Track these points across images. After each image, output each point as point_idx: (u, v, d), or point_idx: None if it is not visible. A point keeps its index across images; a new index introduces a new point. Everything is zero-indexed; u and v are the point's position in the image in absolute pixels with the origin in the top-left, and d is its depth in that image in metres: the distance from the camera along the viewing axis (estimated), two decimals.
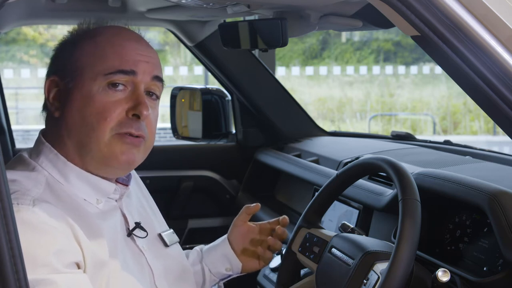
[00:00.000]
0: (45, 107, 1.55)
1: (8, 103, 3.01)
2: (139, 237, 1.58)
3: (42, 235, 1.34)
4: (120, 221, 1.56)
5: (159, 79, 1.55)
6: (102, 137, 1.46)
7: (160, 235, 1.66)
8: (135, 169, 1.62)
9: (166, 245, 1.66)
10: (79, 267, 1.39)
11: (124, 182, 1.60)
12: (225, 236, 1.89)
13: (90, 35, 1.53)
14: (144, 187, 1.79)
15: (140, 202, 1.69)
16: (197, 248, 1.91)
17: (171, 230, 1.73)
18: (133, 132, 1.48)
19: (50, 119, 1.54)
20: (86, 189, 1.50)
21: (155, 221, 1.69)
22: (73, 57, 1.51)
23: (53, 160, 1.49)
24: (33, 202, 1.37)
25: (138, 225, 1.58)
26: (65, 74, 1.51)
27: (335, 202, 2.15)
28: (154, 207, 1.77)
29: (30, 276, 1.25)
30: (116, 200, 1.57)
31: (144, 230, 1.59)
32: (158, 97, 1.57)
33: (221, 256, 1.85)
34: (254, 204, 1.89)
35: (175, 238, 1.72)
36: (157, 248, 1.63)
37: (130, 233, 1.56)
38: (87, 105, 1.47)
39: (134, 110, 1.48)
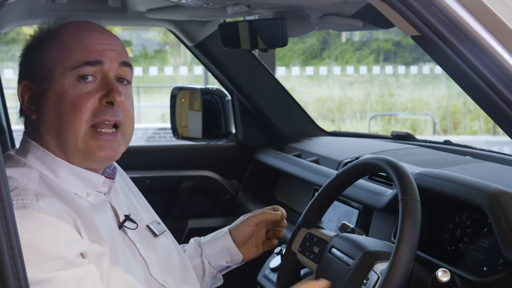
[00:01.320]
0: (22, 112, 1.57)
1: (8, 103, 3.01)
2: (130, 228, 1.59)
3: (51, 228, 1.36)
4: (111, 214, 1.57)
5: (126, 64, 1.56)
6: (79, 131, 1.48)
7: (148, 226, 1.68)
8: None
9: (155, 235, 1.67)
10: (84, 257, 1.41)
11: (110, 175, 1.62)
12: (226, 229, 1.90)
13: (52, 34, 1.55)
14: (129, 179, 1.80)
15: (126, 195, 1.71)
16: (193, 241, 1.91)
17: (158, 220, 1.74)
18: (109, 118, 1.49)
19: (28, 123, 1.56)
20: (76, 182, 1.51)
21: (143, 213, 1.71)
22: (39, 59, 1.53)
23: (41, 157, 1.51)
24: (36, 197, 1.39)
25: (128, 218, 1.60)
26: (35, 77, 1.52)
27: (335, 202, 2.15)
28: (140, 197, 1.78)
29: (43, 273, 1.29)
30: (104, 194, 1.59)
31: (134, 222, 1.61)
32: (129, 82, 1.58)
33: (222, 249, 1.87)
34: (271, 209, 1.89)
35: (163, 227, 1.73)
36: (147, 239, 1.65)
37: (121, 225, 1.58)
38: (61, 101, 1.48)
39: (107, 98, 1.49)
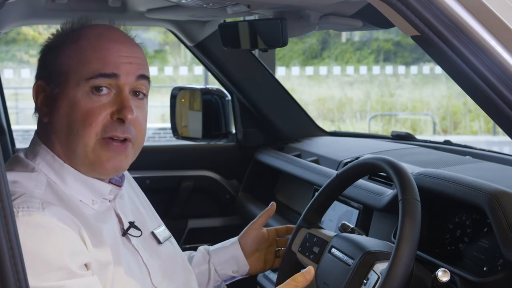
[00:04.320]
0: (36, 110, 1.56)
1: (8, 103, 3.01)
2: (134, 236, 1.58)
3: (56, 238, 1.35)
4: (115, 222, 1.56)
5: (144, 77, 1.52)
6: (88, 143, 1.46)
7: (153, 233, 1.67)
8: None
9: (159, 242, 1.66)
10: (88, 269, 1.40)
11: (117, 183, 1.60)
12: (236, 238, 1.89)
13: (73, 38, 1.52)
14: (136, 185, 1.79)
15: (132, 201, 1.69)
16: (202, 248, 1.91)
17: (163, 227, 1.73)
18: (119, 135, 1.48)
19: (40, 123, 1.55)
20: (82, 190, 1.50)
21: (148, 219, 1.69)
22: (57, 62, 1.51)
23: (49, 161, 1.50)
24: (42, 205, 1.38)
25: (132, 225, 1.58)
26: (51, 79, 1.51)
27: (335, 202, 2.15)
28: (146, 204, 1.77)
29: (45, 282, 1.29)
30: (110, 201, 1.57)
31: (138, 229, 1.60)
32: (145, 95, 1.55)
33: (230, 258, 1.86)
34: (269, 205, 1.90)
35: (167, 234, 1.72)
36: (151, 247, 1.64)
37: (125, 233, 1.56)
38: (73, 111, 1.46)
39: (119, 114, 1.47)
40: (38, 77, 1.55)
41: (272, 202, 1.92)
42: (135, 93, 1.52)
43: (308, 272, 1.53)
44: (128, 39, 1.55)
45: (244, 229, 1.90)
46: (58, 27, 1.57)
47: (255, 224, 1.89)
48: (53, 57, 1.52)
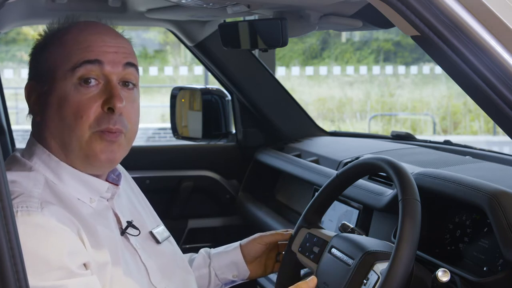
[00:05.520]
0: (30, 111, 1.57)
1: (8, 103, 3.01)
2: (132, 235, 1.58)
3: (55, 238, 1.35)
4: (114, 221, 1.56)
5: (131, 65, 1.52)
6: (82, 136, 1.46)
7: (151, 233, 1.66)
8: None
9: (158, 242, 1.66)
10: (87, 268, 1.40)
11: (114, 181, 1.60)
12: (238, 244, 1.89)
13: (58, 36, 1.53)
14: (135, 184, 1.79)
15: (130, 200, 1.69)
16: (203, 251, 1.91)
17: (162, 226, 1.73)
18: (111, 127, 1.47)
19: (34, 123, 1.55)
20: (80, 188, 1.50)
21: (146, 218, 1.69)
22: (44, 60, 1.51)
23: (46, 160, 1.49)
24: (41, 205, 1.38)
25: (130, 224, 1.58)
26: (40, 78, 1.51)
27: (335, 202, 2.15)
28: (145, 203, 1.77)
29: (44, 282, 1.28)
30: (107, 200, 1.57)
31: (136, 228, 1.59)
32: (135, 85, 1.55)
33: (230, 263, 1.86)
34: (287, 232, 1.90)
35: (166, 233, 1.72)
36: (150, 246, 1.63)
37: (123, 232, 1.56)
38: (63, 106, 1.46)
39: (108, 104, 1.46)
40: (29, 77, 1.56)
41: (289, 231, 1.90)
42: (125, 83, 1.52)
43: (312, 281, 1.55)
44: (112, 31, 1.55)
45: (249, 239, 1.89)
46: (45, 27, 1.58)
47: (261, 239, 1.88)
48: (41, 57, 1.53)
